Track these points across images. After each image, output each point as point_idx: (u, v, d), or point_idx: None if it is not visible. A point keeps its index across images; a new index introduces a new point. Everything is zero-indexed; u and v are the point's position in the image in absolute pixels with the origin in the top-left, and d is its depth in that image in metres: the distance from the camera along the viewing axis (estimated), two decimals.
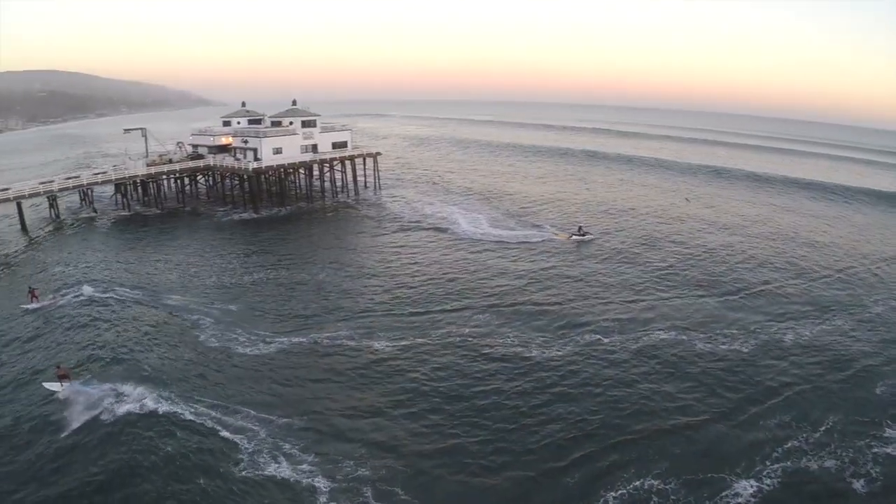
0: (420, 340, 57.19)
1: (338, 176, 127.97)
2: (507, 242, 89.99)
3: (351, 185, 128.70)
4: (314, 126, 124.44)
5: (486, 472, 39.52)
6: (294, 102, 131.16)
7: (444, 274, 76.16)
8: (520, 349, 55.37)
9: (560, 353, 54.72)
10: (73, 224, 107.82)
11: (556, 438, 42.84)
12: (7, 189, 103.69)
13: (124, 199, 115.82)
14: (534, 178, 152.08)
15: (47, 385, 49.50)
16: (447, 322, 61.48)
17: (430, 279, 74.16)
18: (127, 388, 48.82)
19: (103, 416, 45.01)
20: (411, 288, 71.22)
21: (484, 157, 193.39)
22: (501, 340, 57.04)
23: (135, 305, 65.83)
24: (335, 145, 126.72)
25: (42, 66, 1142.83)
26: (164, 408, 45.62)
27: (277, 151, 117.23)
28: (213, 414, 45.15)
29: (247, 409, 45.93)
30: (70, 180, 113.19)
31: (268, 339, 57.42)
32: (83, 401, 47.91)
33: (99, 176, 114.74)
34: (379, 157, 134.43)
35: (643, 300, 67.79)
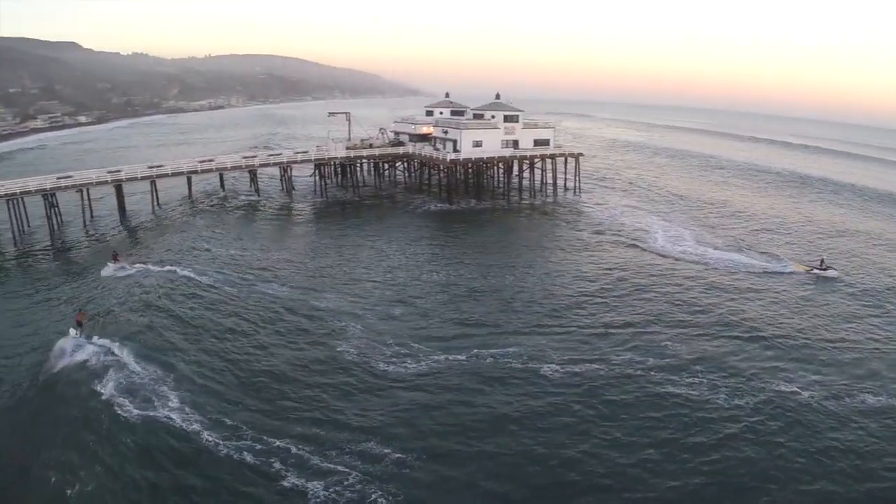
0: (595, 366, 49.62)
1: (537, 175, 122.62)
2: (713, 265, 79.09)
3: (550, 186, 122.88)
4: (516, 121, 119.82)
5: None
6: (497, 96, 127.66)
7: (634, 292, 67.90)
8: (705, 388, 46.83)
9: (750, 399, 45.47)
10: (262, 203, 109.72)
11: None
12: (211, 160, 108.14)
13: (322, 182, 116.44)
14: (750, 197, 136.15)
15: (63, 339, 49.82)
16: (628, 347, 53.64)
17: (618, 297, 66.26)
18: (169, 393, 43.77)
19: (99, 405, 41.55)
20: (595, 304, 63.79)
21: (691, 168, 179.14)
22: (688, 378, 48.32)
23: (262, 299, 62.62)
24: (536, 142, 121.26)
25: (263, 50, 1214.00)
26: (209, 433, 39.31)
27: (477, 144, 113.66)
28: (294, 447, 38.17)
29: (353, 441, 39.16)
30: (272, 157, 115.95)
31: (421, 355, 50.97)
32: (90, 369, 45.94)
33: (299, 155, 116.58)
34: (581, 158, 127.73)
35: (866, 354, 55.06)
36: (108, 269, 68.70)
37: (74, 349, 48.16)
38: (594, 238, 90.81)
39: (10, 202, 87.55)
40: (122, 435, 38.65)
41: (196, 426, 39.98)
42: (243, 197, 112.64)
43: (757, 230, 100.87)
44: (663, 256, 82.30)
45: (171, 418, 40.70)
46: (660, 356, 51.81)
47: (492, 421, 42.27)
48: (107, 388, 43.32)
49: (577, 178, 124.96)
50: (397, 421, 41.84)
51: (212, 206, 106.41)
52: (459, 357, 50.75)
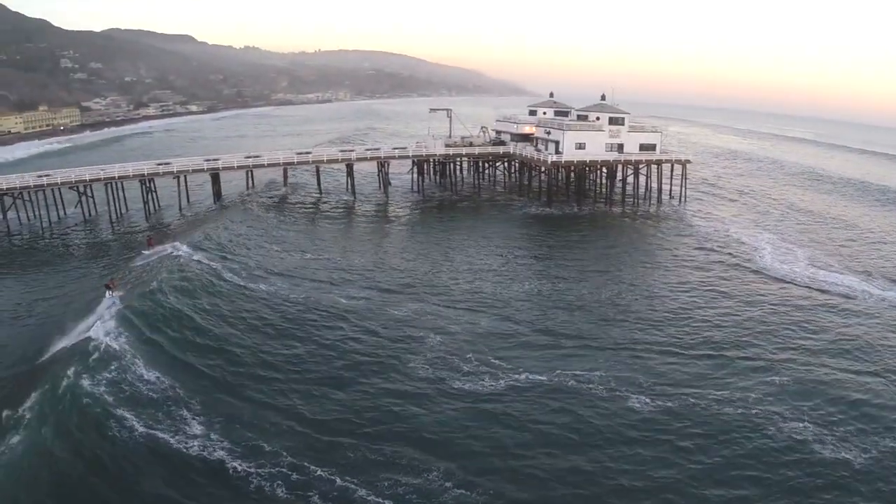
0: (692, 401, 44.42)
1: (641, 180, 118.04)
2: (829, 290, 71.47)
3: (654, 193, 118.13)
4: (622, 124, 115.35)
5: None
6: (603, 97, 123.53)
7: (738, 315, 61.98)
8: (811, 430, 41.34)
9: (860, 446, 39.92)
10: (355, 200, 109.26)
11: None
12: (308, 153, 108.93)
13: (420, 179, 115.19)
14: (868, 215, 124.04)
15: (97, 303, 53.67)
16: (728, 377, 48.43)
17: (720, 320, 60.59)
18: (189, 418, 39.00)
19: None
20: (694, 326, 58.69)
21: (802, 180, 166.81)
22: (792, 417, 42.79)
23: (333, 305, 59.08)
24: (642, 147, 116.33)
25: (372, 47, 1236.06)
26: (238, 460, 35.34)
27: (580, 147, 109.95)
28: (339, 478, 34.27)
29: (410, 470, 35.36)
30: (369, 152, 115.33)
31: (500, 372, 47.21)
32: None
33: (397, 151, 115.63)
34: (688, 165, 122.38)
35: None
36: (143, 255, 70.07)
37: (94, 329, 47.69)
38: (698, 252, 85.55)
39: (109, 185, 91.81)
40: (126, 453, 35.59)
41: (220, 452, 36.16)
42: (337, 193, 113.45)
43: (884, 255, 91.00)
44: (772, 277, 75.84)
45: (188, 437, 37.37)
46: (762, 391, 46.63)
47: (570, 452, 38.64)
48: (119, 399, 40.06)
49: (684, 187, 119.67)
50: (463, 448, 38.43)
51: (304, 200, 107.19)
52: (541, 377, 47.05)
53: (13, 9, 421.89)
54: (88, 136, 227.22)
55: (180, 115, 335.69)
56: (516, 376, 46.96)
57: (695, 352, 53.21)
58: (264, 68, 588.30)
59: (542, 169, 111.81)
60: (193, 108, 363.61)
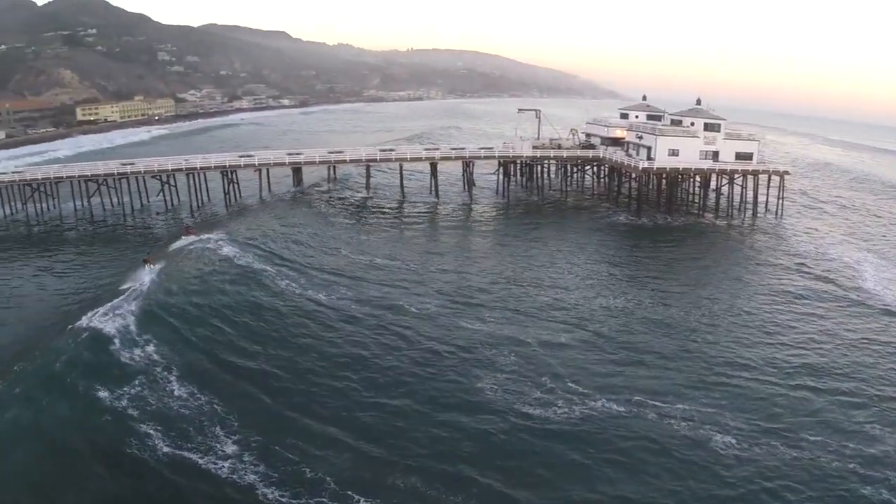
0: (782, 445, 39.87)
1: (736, 191, 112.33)
2: None
3: (750, 205, 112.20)
4: (717, 131, 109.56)
5: None
6: (698, 102, 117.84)
7: (837, 349, 56.08)
8: None
9: None
10: (437, 200, 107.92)
11: None
12: (391, 150, 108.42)
13: (506, 181, 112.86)
14: None
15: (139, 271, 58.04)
16: (822, 424, 43.15)
17: (818, 354, 54.76)
18: (221, 435, 35.70)
19: None
20: (789, 358, 53.28)
21: None
22: (890, 469, 38.00)
23: (401, 317, 56.21)
24: (738, 155, 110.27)
25: (465, 46, 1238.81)
26: (274, 489, 32.14)
27: (673, 153, 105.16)
28: None
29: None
30: (454, 151, 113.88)
31: (575, 397, 43.63)
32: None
33: (483, 151, 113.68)
34: (786, 177, 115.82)
35: None
36: (181, 242, 70.85)
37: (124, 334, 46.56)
38: (795, 272, 79.51)
39: (190, 176, 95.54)
40: (150, 478, 33.27)
41: (252, 476, 33.41)
42: (419, 192, 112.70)
43: None
44: (876, 304, 69.24)
45: (219, 457, 34.72)
46: (863, 437, 41.81)
47: (647, 493, 35.21)
48: (144, 413, 37.77)
49: (781, 199, 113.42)
50: (526, 480, 35.21)
51: (383, 199, 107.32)
52: (618, 406, 43.35)
53: (113, 3, 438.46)
54: (181, 126, 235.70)
55: (272, 108, 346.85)
56: (591, 402, 43.61)
57: (788, 384, 48.78)
58: (357, 65, 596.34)
59: (633, 175, 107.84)
60: (286, 101, 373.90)
